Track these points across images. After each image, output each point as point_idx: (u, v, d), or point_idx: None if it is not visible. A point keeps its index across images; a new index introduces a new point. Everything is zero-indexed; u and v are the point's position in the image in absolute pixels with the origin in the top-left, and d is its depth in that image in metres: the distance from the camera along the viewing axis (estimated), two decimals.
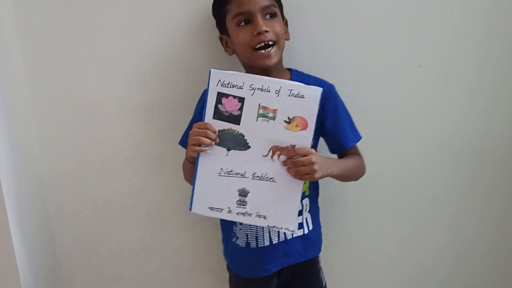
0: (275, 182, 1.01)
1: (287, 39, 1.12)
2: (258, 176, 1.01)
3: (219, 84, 0.98)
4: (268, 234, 1.13)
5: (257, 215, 1.02)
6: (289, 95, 0.97)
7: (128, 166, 1.34)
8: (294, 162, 0.97)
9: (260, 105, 0.98)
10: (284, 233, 1.13)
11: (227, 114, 0.99)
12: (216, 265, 1.38)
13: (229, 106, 0.98)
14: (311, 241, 1.17)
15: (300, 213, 1.13)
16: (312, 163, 0.96)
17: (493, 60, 1.30)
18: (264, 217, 1.02)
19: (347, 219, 1.39)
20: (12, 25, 1.21)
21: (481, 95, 1.33)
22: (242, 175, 1.01)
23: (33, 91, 1.27)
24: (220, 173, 1.01)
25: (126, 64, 1.26)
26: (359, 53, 1.27)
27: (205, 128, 0.98)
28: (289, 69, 1.15)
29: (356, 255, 1.43)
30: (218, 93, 0.98)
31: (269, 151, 0.99)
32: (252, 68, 1.08)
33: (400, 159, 1.36)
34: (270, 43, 1.04)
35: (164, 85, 1.27)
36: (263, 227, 1.12)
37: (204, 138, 0.98)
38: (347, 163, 1.11)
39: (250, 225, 1.11)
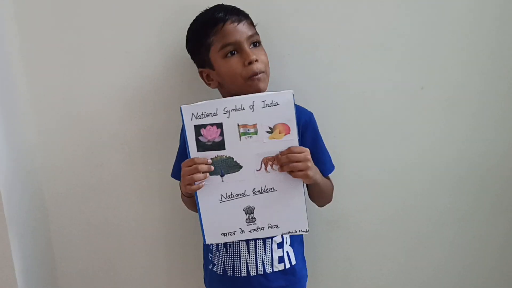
0: (276, 191, 1.02)
1: (266, 57, 1.10)
2: (259, 191, 1.02)
3: (193, 118, 0.97)
4: (245, 264, 1.11)
5: (269, 227, 1.04)
6: (263, 107, 0.97)
7: (127, 170, 1.34)
8: (290, 156, 0.97)
9: (239, 124, 0.98)
10: (263, 266, 1.11)
11: (209, 143, 0.99)
12: None
13: (210, 135, 0.98)
14: (294, 276, 1.14)
15: (281, 245, 1.12)
16: (307, 159, 0.98)
17: (496, 83, 1.31)
18: (277, 226, 1.04)
19: (349, 243, 1.38)
20: (14, 33, 1.23)
21: (484, 117, 1.33)
22: (243, 195, 1.02)
23: (33, 98, 1.28)
24: (221, 200, 1.02)
25: (125, 71, 1.27)
26: (360, 75, 1.27)
27: (193, 164, 0.98)
28: None
29: (359, 280, 1.41)
30: (195, 126, 0.98)
31: (261, 164, 1.00)
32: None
33: (402, 182, 1.36)
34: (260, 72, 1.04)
35: (161, 104, 1.28)
36: (240, 256, 1.11)
37: (197, 175, 0.98)
38: (326, 180, 1.13)
39: (226, 252, 1.12)
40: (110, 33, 1.24)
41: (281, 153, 0.99)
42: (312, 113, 1.15)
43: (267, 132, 0.98)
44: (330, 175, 1.15)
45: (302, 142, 1.07)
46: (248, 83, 1.05)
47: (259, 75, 1.05)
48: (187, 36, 1.12)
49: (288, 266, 1.13)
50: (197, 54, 1.11)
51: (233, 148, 0.99)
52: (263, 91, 1.05)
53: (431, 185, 1.36)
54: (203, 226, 1.03)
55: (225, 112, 0.97)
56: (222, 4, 1.11)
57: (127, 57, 1.26)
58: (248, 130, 0.98)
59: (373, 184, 1.34)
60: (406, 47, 1.27)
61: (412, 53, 1.27)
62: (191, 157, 0.99)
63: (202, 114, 0.97)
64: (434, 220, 1.39)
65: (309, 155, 0.99)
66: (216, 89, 1.14)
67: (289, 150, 0.98)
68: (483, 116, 1.33)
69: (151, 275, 1.39)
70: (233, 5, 1.09)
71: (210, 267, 1.16)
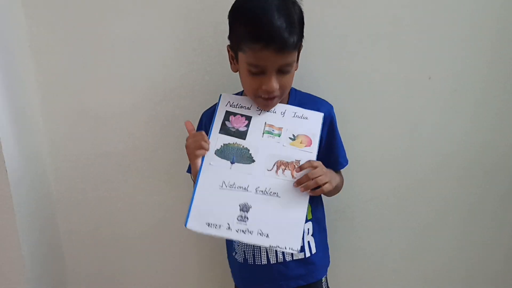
0: (279, 197, 0.96)
1: (295, 69, 1.04)
2: (262, 191, 0.97)
3: (228, 105, 1.04)
4: (265, 253, 1.08)
5: (258, 233, 0.93)
6: (293, 116, 1.04)
7: (135, 175, 1.34)
8: (313, 172, 0.96)
9: (266, 123, 1.03)
10: (283, 254, 1.08)
11: (233, 130, 1.02)
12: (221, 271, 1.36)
13: (236, 123, 1.02)
14: (314, 265, 1.10)
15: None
16: (325, 173, 0.97)
17: (503, 73, 1.31)
18: (267, 235, 0.93)
19: (355, 233, 1.38)
20: (26, 40, 1.25)
21: (492, 107, 1.33)
22: (245, 189, 0.97)
23: (42, 93, 1.28)
24: (222, 186, 0.97)
25: (134, 77, 1.28)
26: (368, 65, 1.27)
27: (199, 138, 0.98)
28: None
29: (364, 270, 1.42)
30: (227, 111, 1.04)
31: (274, 165, 0.99)
32: None
33: (409, 172, 1.35)
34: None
35: (171, 99, 1.29)
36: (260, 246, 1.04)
37: (203, 142, 0.97)
38: (338, 177, 1.12)
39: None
40: (118, 27, 1.24)
41: (301, 166, 0.98)
42: (332, 106, 1.11)
43: (290, 138, 1.01)
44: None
45: (320, 135, 1.05)
46: (258, 100, 1.02)
47: (272, 100, 1.01)
48: (234, 6, 1.00)
49: (308, 255, 1.09)
50: (231, 36, 1.02)
51: (253, 141, 1.01)
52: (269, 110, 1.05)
53: (438, 175, 1.35)
54: (192, 207, 0.94)
55: (258, 109, 1.04)
56: (283, 13, 0.94)
57: (134, 50, 1.25)
58: (273, 130, 1.02)
59: (380, 174, 1.34)
60: (414, 37, 1.26)
61: (419, 43, 1.26)
62: (211, 135, 1.01)
63: (237, 105, 1.04)
64: (441, 210, 1.38)
65: (325, 168, 0.99)
66: (230, 82, 1.15)
67: (310, 163, 0.98)
68: (490, 106, 1.32)
69: (160, 257, 1.41)
70: (289, 13, 0.95)
71: (233, 254, 1.14)
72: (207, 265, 1.41)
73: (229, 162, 0.99)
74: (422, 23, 1.25)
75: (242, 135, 1.01)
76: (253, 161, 0.99)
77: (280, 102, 1.06)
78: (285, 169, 0.98)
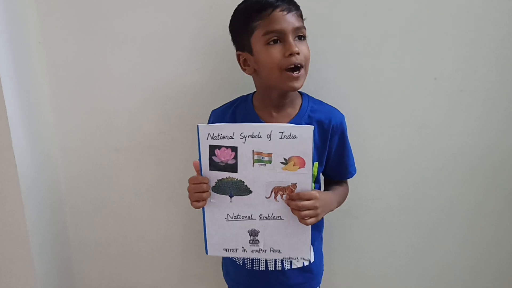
0: (283, 219, 1.01)
1: None
2: (266, 217, 1.01)
3: (209, 138, 0.96)
4: (264, 259, 1.12)
5: (271, 250, 1.04)
6: (281, 138, 0.94)
7: (144, 173, 1.38)
8: (299, 206, 0.96)
9: (254, 151, 0.96)
10: (282, 263, 1.12)
11: (222, 164, 0.98)
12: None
13: (223, 156, 0.97)
14: (311, 273, 1.15)
15: None
16: (315, 208, 0.96)
17: (509, 74, 1.27)
18: (279, 251, 1.04)
19: (360, 233, 1.40)
20: (38, 41, 1.27)
21: (497, 108, 1.30)
22: (250, 218, 1.02)
23: (56, 100, 1.32)
24: (227, 219, 1.03)
25: (145, 75, 1.29)
26: (374, 66, 1.26)
27: (199, 183, 0.99)
28: (300, 93, 1.12)
29: (369, 269, 1.44)
30: (210, 146, 0.97)
31: (271, 192, 0.99)
32: (272, 89, 1.05)
33: (414, 172, 1.34)
34: (299, 66, 1.00)
35: (181, 97, 1.30)
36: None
37: (204, 194, 0.99)
38: (340, 193, 1.14)
39: None
40: (129, 25, 1.25)
41: (290, 196, 0.97)
42: (343, 116, 1.12)
43: (282, 162, 0.96)
44: None
45: (329, 145, 1.09)
46: (284, 76, 1.00)
47: (298, 73, 1.00)
48: (232, 16, 1.07)
49: (306, 263, 1.13)
50: (238, 35, 1.07)
51: (245, 173, 0.98)
52: (297, 90, 1.04)
53: (444, 175, 1.36)
54: (207, 239, 1.05)
55: (242, 137, 0.95)
56: None
57: (145, 49, 1.26)
58: (263, 158, 0.96)
59: (386, 174, 1.35)
60: (420, 38, 1.24)
61: (425, 44, 1.25)
62: (203, 174, 0.99)
63: (218, 136, 0.96)
64: (446, 210, 1.39)
65: (319, 201, 0.97)
66: (242, 80, 1.13)
67: (298, 196, 0.96)
68: (496, 106, 1.30)
69: (165, 259, 1.46)
70: None
71: (232, 257, 1.17)
72: (214, 275, 1.43)
73: (228, 196, 1.01)
74: (427, 24, 1.24)
75: (233, 168, 0.98)
76: (251, 191, 0.99)
77: (292, 108, 1.08)
78: (283, 194, 0.99)
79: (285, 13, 0.99)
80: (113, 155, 1.36)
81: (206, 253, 1.07)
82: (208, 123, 1.17)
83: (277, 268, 1.12)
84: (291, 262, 1.12)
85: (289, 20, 0.99)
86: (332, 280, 1.39)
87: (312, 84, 1.16)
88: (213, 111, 1.16)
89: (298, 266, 1.13)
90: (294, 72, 1.00)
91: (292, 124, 0.94)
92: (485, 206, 1.38)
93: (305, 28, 1.04)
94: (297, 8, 1.03)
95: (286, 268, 1.12)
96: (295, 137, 0.94)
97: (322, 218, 1.19)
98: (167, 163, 1.36)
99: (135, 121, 1.33)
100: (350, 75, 1.27)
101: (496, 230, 1.40)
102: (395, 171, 1.34)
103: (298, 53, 0.99)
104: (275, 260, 1.12)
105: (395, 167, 1.34)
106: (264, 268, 1.12)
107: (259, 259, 1.12)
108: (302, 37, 1.02)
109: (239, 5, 1.06)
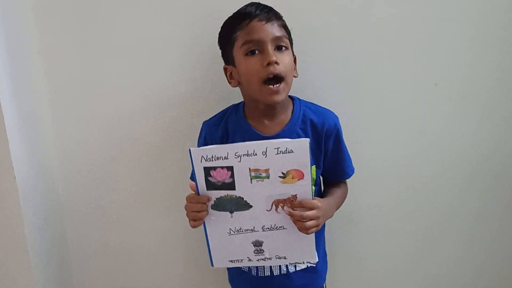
0: (286, 229, 1.01)
1: (295, 76, 1.07)
2: (268, 228, 1.01)
3: (203, 160, 0.93)
4: (268, 265, 1.12)
5: (276, 258, 1.05)
6: (277, 153, 0.92)
7: (142, 180, 1.36)
8: (304, 216, 0.95)
9: (251, 168, 0.93)
10: (286, 266, 1.12)
11: (219, 183, 0.96)
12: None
13: (219, 176, 0.95)
14: (316, 273, 1.16)
15: None
16: (318, 218, 0.96)
17: (510, 79, 1.27)
18: (284, 257, 1.05)
19: (360, 238, 1.39)
20: (36, 50, 1.25)
21: (498, 114, 1.30)
22: (252, 230, 1.01)
23: (54, 108, 1.30)
24: (230, 233, 1.02)
25: (142, 83, 1.27)
26: (375, 71, 1.25)
27: (196, 202, 0.97)
28: (291, 97, 1.10)
29: (369, 275, 1.44)
30: (204, 168, 0.94)
31: (272, 205, 0.98)
32: (257, 102, 1.04)
33: (415, 178, 1.34)
34: (279, 77, 0.99)
35: (179, 104, 1.28)
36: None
37: (200, 213, 0.97)
38: (339, 197, 1.13)
39: None
40: (126, 33, 1.24)
41: (292, 204, 0.96)
42: (337, 117, 1.11)
43: (280, 177, 0.94)
44: None
45: (324, 148, 1.08)
46: (264, 90, 0.99)
47: (278, 86, 0.99)
48: (220, 31, 1.08)
49: (310, 264, 1.14)
50: (223, 48, 1.08)
51: (244, 190, 0.96)
52: (279, 103, 1.02)
53: (444, 181, 1.36)
54: (211, 253, 1.05)
55: (236, 156, 0.92)
56: (257, 2, 1.05)
57: (143, 56, 1.25)
58: (260, 174, 0.94)
59: (386, 180, 1.34)
60: (420, 44, 1.24)
61: (426, 49, 1.25)
62: (200, 194, 0.97)
63: (212, 157, 0.92)
64: (447, 216, 1.39)
65: (320, 211, 0.96)
66: (237, 88, 1.10)
67: (301, 204, 0.95)
68: (497, 112, 1.31)
69: (165, 265, 1.46)
70: (268, 5, 1.04)
71: None
72: (216, 281, 1.42)
73: (228, 212, 0.99)
74: (428, 28, 1.23)
75: (231, 186, 0.96)
76: (251, 206, 0.98)
77: (284, 115, 1.07)
78: (283, 205, 0.98)
79: (263, 22, 0.98)
80: (111, 162, 1.34)
81: (212, 265, 1.07)
82: (200, 135, 1.15)
83: (282, 272, 1.13)
84: (295, 264, 1.13)
85: (268, 29, 0.98)
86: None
87: (310, 89, 1.15)
88: (205, 122, 1.14)
89: (303, 268, 1.13)
90: (274, 86, 0.98)
91: (287, 139, 0.91)
92: (485, 212, 1.38)
93: (287, 38, 1.03)
94: (278, 18, 1.02)
95: (291, 271, 1.13)
96: (291, 151, 0.91)
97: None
98: (165, 170, 1.34)
99: (133, 129, 1.30)
100: (349, 81, 1.26)
101: (497, 235, 1.40)
102: (396, 177, 1.34)
103: (277, 63, 0.97)
104: (280, 265, 1.12)
105: (395, 173, 1.33)
106: (269, 273, 1.13)
107: (264, 266, 1.13)
108: (283, 47, 1.01)
109: (226, 19, 1.06)
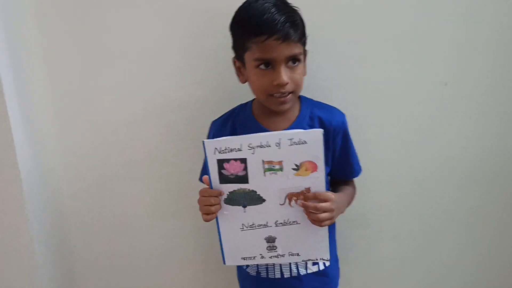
0: (299, 223, 1.00)
1: (304, 75, 1.04)
2: (281, 223, 1.00)
3: (216, 152, 0.93)
4: (279, 266, 1.11)
5: (290, 254, 1.03)
6: (290, 145, 0.91)
7: (148, 185, 1.36)
8: (317, 208, 0.94)
9: (264, 160, 0.93)
10: (297, 268, 1.11)
11: (232, 176, 0.95)
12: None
13: (233, 169, 0.94)
14: (327, 277, 1.14)
15: None
16: (332, 210, 0.95)
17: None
18: (297, 254, 1.03)
19: (368, 240, 1.38)
20: (39, 52, 1.25)
21: (510, 114, 1.29)
22: (265, 225, 1.00)
23: (53, 97, 1.29)
24: (242, 229, 1.01)
25: (145, 88, 1.28)
26: (384, 71, 1.25)
27: (208, 196, 0.96)
28: (298, 96, 1.09)
29: (378, 278, 1.43)
30: (218, 160, 0.93)
31: (285, 198, 0.97)
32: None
33: (423, 181, 1.33)
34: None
35: (183, 107, 1.28)
36: None
37: (213, 207, 0.96)
38: (350, 194, 1.13)
39: None
40: (129, 36, 1.24)
41: (306, 196, 0.95)
42: (344, 115, 1.11)
43: (293, 169, 0.94)
44: None
45: (333, 145, 1.07)
46: (271, 100, 1.01)
47: (285, 98, 1.00)
48: (234, 16, 1.03)
49: (322, 267, 1.13)
50: (235, 43, 1.05)
51: (257, 183, 0.95)
52: (284, 111, 1.04)
53: (453, 184, 1.34)
54: (223, 249, 1.03)
55: (250, 148, 0.92)
56: (278, 6, 0.97)
57: (146, 60, 1.25)
58: (273, 166, 0.94)
59: (393, 182, 1.33)
60: (430, 43, 1.23)
61: (435, 49, 1.23)
62: (213, 188, 0.97)
63: (225, 149, 0.92)
64: (457, 220, 1.37)
65: (335, 203, 0.96)
66: (242, 89, 1.10)
67: (315, 196, 0.94)
68: (508, 112, 1.29)
69: (172, 273, 1.44)
70: (289, 12, 0.98)
71: (244, 267, 1.16)
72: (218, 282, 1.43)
73: (241, 207, 0.99)
74: (438, 28, 1.22)
75: (244, 179, 0.95)
76: (264, 200, 0.97)
77: (291, 112, 1.07)
78: (297, 199, 0.97)
79: (280, 41, 0.94)
80: (116, 168, 1.34)
81: (224, 263, 1.05)
82: (208, 135, 1.15)
83: (292, 275, 1.11)
84: (306, 267, 1.11)
85: (283, 49, 0.95)
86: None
87: (316, 91, 1.14)
88: (213, 122, 1.15)
89: (314, 270, 1.12)
90: (282, 98, 1.00)
91: (300, 130, 0.92)
92: (496, 216, 1.37)
93: (302, 52, 1.01)
94: (296, 30, 0.97)
95: (302, 273, 1.11)
96: (305, 143, 0.91)
97: (334, 223, 1.18)
98: (171, 175, 1.34)
99: (138, 134, 1.31)
100: (356, 81, 1.25)
101: (500, 235, 1.39)
102: (403, 180, 1.33)
103: (287, 83, 0.97)
104: (290, 266, 1.11)
105: (403, 175, 1.32)
106: (280, 276, 1.11)
107: (274, 267, 1.12)
108: (296, 61, 0.99)
109: (241, 6, 1.01)
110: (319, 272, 1.12)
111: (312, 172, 0.94)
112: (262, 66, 0.98)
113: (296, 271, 1.11)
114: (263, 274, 1.12)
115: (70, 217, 1.39)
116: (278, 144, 0.91)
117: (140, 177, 1.35)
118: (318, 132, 0.91)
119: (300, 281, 1.11)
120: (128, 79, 1.27)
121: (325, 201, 0.95)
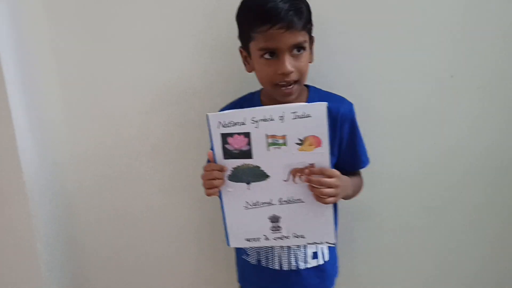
0: (304, 202, 0.99)
1: (311, 62, 1.05)
2: (285, 201, 0.99)
3: (220, 126, 0.93)
4: (278, 258, 1.11)
5: (294, 236, 1.02)
6: (294, 118, 0.91)
7: (155, 177, 1.37)
8: (321, 182, 0.93)
9: (268, 135, 0.93)
10: (296, 262, 1.11)
11: (236, 151, 0.95)
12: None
13: (236, 143, 0.95)
14: (326, 273, 1.14)
15: None
16: (337, 186, 0.94)
17: None
18: (302, 236, 1.02)
19: (372, 233, 1.38)
20: (48, 46, 1.27)
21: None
22: (269, 203, 0.99)
23: (65, 109, 1.32)
24: (246, 207, 1.00)
25: (152, 80, 1.29)
26: (389, 63, 1.24)
27: (211, 170, 0.96)
28: (306, 86, 1.10)
29: (379, 270, 1.42)
30: (222, 134, 0.94)
31: (289, 175, 0.96)
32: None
33: (428, 174, 1.32)
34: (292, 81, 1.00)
35: (189, 99, 1.30)
36: (273, 248, 1.11)
37: (216, 181, 0.96)
38: (356, 181, 1.11)
39: None
40: (135, 29, 1.26)
41: (311, 170, 0.94)
42: (352, 104, 1.10)
43: (297, 143, 0.93)
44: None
45: (340, 134, 1.07)
46: (276, 90, 1.02)
47: (290, 88, 1.01)
48: (239, 8, 1.04)
49: (321, 262, 1.12)
50: (241, 32, 1.06)
51: (261, 158, 0.95)
52: (290, 101, 1.02)
53: (458, 178, 1.33)
54: (227, 230, 1.03)
55: (253, 121, 0.93)
56: None
57: (152, 51, 1.26)
58: (277, 140, 0.94)
59: (399, 176, 1.32)
60: (436, 35, 1.22)
61: (442, 41, 1.23)
62: (217, 163, 0.97)
63: (229, 123, 0.93)
64: (460, 214, 1.35)
65: (339, 180, 0.95)
66: (249, 80, 1.11)
67: (321, 171, 0.93)
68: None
69: (178, 265, 1.45)
70: (298, 4, 0.97)
71: (244, 257, 1.16)
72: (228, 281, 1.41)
73: (245, 183, 0.98)
74: (444, 20, 1.21)
75: (247, 154, 0.95)
76: (268, 176, 0.97)
77: (299, 101, 1.05)
78: (301, 175, 0.96)
79: (283, 30, 0.94)
80: (123, 160, 1.35)
81: (228, 245, 1.04)
82: None
83: (291, 268, 1.11)
84: (305, 259, 1.10)
85: (287, 37, 0.95)
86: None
87: (324, 83, 1.13)
88: (222, 109, 1.15)
89: (313, 265, 1.11)
90: (287, 88, 1.00)
91: (304, 103, 0.92)
92: (498, 212, 1.35)
93: (307, 40, 1.00)
94: (300, 18, 0.96)
95: (300, 267, 1.10)
96: (309, 116, 0.91)
97: (336, 218, 1.15)
98: (178, 167, 1.35)
99: (145, 126, 1.32)
100: (363, 74, 1.25)
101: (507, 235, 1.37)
102: (408, 174, 1.32)
103: (291, 72, 0.98)
104: (289, 259, 1.10)
105: (408, 169, 1.31)
106: (278, 268, 1.11)
107: (273, 258, 1.11)
108: (301, 49, 0.99)
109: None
110: (318, 267, 1.12)
111: (316, 147, 0.93)
112: (266, 56, 0.99)
113: (295, 264, 1.10)
114: (263, 263, 1.12)
115: (76, 213, 1.40)
116: (281, 118, 0.92)
117: (146, 169, 1.36)
118: (322, 106, 0.90)
119: (299, 275, 1.11)
120: (136, 73, 1.28)
121: (330, 177, 0.94)
